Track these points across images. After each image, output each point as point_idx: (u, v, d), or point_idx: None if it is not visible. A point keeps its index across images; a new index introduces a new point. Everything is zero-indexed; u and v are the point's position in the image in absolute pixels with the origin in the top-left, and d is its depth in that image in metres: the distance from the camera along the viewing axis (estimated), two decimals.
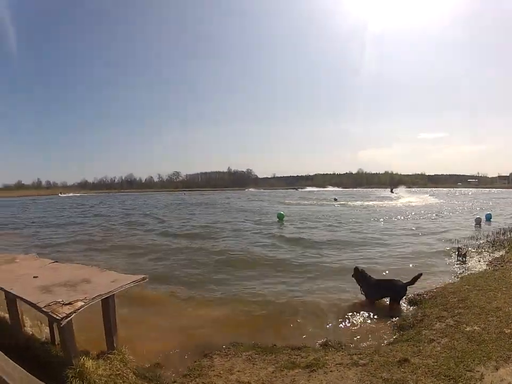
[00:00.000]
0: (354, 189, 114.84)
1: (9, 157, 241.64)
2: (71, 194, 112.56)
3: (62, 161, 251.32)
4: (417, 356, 4.38)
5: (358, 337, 5.50)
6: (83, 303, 3.70)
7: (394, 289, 6.75)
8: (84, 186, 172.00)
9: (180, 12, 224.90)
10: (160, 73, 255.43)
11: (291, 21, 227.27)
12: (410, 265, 9.82)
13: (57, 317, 3.42)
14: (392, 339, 5.35)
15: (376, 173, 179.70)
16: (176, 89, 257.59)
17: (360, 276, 7.17)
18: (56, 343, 4.91)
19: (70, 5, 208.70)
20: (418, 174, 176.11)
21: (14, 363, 3.24)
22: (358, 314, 6.39)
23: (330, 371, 4.13)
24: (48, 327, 5.16)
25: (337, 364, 4.32)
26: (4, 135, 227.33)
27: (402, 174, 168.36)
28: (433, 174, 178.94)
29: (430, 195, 60.43)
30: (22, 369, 3.17)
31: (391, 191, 77.90)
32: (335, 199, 48.60)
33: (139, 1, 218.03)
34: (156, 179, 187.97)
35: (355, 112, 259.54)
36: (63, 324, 3.46)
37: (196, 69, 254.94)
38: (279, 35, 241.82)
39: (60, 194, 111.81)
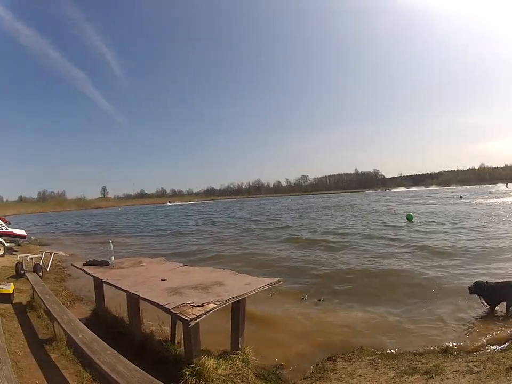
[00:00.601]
0: (476, 186, 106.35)
1: (133, 170, 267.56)
2: (178, 203, 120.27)
3: (188, 169, 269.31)
4: None
5: (476, 343, 5.22)
6: (215, 305, 3.74)
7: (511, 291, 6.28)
8: (211, 193, 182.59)
9: None
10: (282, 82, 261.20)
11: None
12: None
13: (186, 318, 3.47)
14: (505, 346, 5.04)
15: (497, 167, 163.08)
16: (299, 97, 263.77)
17: (476, 288, 6.69)
18: (176, 342, 5.13)
19: None
20: None
21: (133, 365, 3.40)
22: (477, 319, 6.16)
23: (447, 378, 3.97)
24: (170, 327, 5.40)
25: (454, 371, 4.14)
26: (135, 151, 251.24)
27: None
28: None
29: None
30: (141, 370, 3.30)
31: (506, 186, 72.25)
32: (461, 197, 46.66)
33: None
34: (283, 183, 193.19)
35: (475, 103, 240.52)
36: (191, 325, 3.51)
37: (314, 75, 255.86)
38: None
39: (168, 203, 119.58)
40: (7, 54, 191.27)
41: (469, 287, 6.81)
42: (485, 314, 6.31)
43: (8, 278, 9.26)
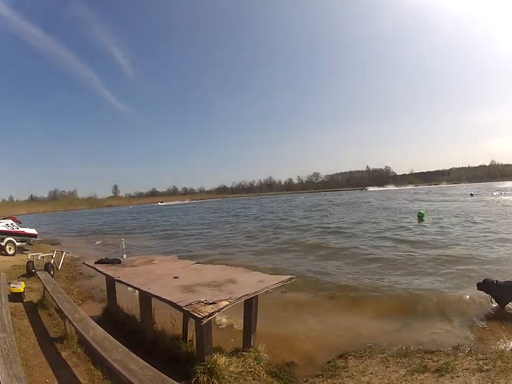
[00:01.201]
0: (487, 183, 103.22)
1: (145, 169, 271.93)
2: (169, 203, 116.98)
3: (201, 168, 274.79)
4: None
5: (486, 341, 5.24)
6: (227, 303, 3.71)
7: None
8: (222, 191, 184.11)
9: None
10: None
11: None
12: None
13: (199, 316, 3.44)
14: None
15: (507, 164, 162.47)
16: (310, 97, 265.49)
17: (485, 285, 6.63)
18: (188, 340, 5.07)
19: None
20: None
21: (145, 362, 3.37)
22: (487, 318, 6.11)
23: (457, 376, 3.97)
24: (181, 325, 5.35)
25: (464, 369, 4.14)
26: (147, 150, 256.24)
27: None
28: None
29: None
30: (152, 367, 3.27)
31: None
32: (471, 194, 46.09)
33: None
34: (295, 181, 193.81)
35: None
36: (203, 323, 3.49)
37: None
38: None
39: (159, 203, 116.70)
40: (14, 53, 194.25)
41: (477, 283, 6.77)
42: (494, 313, 6.26)
43: (19, 277, 9.30)
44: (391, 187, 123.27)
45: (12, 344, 3.96)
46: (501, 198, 36.58)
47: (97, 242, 21.09)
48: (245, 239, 17.98)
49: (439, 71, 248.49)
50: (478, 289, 6.70)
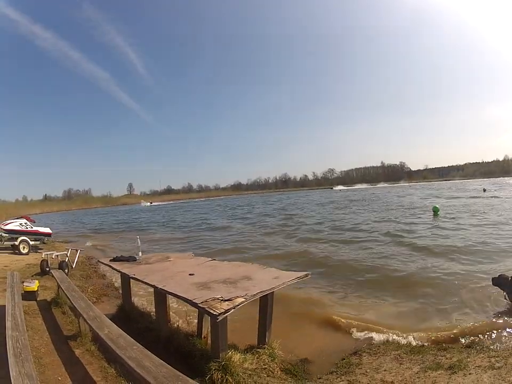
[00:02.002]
0: (498, 179, 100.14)
1: (160, 167, 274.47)
2: (158, 203, 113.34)
3: (213, 165, 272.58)
4: None
5: (499, 339, 5.16)
6: (243, 300, 3.66)
7: None
8: (237, 188, 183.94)
9: None
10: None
11: None
12: None
13: (214, 313, 3.39)
14: None
15: None
16: (328, 89, 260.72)
17: (499, 281, 6.56)
18: (203, 337, 5.02)
19: None
20: None
21: (160, 360, 3.30)
22: (501, 315, 5.99)
23: (469, 373, 3.96)
24: (197, 322, 5.30)
25: (476, 366, 4.13)
26: (161, 148, 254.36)
27: None
28: None
29: None
30: (167, 365, 3.20)
31: None
32: (484, 190, 45.42)
33: None
34: (310, 177, 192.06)
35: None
36: (219, 320, 3.43)
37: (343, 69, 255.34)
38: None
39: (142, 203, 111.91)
40: (27, 56, 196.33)
41: (492, 278, 6.74)
42: (507, 310, 6.17)
43: (32, 276, 9.32)
44: (403, 183, 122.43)
45: (25, 343, 3.91)
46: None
47: (112, 240, 21.32)
48: None
49: (453, 67, 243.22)
50: (492, 284, 6.67)
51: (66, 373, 4.10)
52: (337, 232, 17.24)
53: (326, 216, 25.85)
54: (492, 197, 33.36)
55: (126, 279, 5.96)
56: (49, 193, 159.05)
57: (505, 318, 5.79)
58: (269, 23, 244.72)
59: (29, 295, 7.03)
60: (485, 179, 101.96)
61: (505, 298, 6.45)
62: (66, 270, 9.28)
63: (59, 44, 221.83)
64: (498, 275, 6.69)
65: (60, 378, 3.96)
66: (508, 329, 5.40)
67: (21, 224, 15.07)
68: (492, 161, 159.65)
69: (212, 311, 3.44)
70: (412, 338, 5.33)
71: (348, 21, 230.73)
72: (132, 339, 3.87)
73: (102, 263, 6.69)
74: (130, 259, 6.37)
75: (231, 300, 3.64)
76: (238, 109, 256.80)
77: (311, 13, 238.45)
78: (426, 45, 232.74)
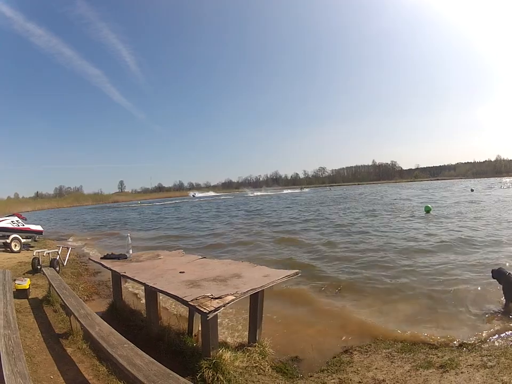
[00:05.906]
0: (490, 179, 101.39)
1: (151, 165, 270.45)
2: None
3: (205, 163, 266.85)
4: None
5: (492, 337, 5.17)
6: (233, 298, 3.68)
7: None
8: (228, 186, 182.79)
9: None
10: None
11: None
12: None
13: (204, 311, 3.41)
14: None
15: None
16: (315, 93, 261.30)
17: (497, 274, 6.51)
18: (193, 335, 5.05)
19: None
20: None
21: (150, 358, 3.34)
22: (493, 314, 6.01)
23: (461, 372, 3.99)
24: (187, 320, 5.31)
25: (468, 365, 4.17)
26: (152, 146, 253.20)
27: None
28: None
29: None
30: (158, 362, 3.24)
31: None
32: (472, 190, 46.22)
33: None
34: (301, 175, 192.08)
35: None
36: (209, 318, 3.46)
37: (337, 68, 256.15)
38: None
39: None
40: (20, 54, 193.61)
41: (492, 270, 6.69)
42: (501, 309, 6.15)
43: (24, 274, 9.29)
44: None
45: (17, 341, 3.93)
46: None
47: (102, 237, 21.29)
48: None
49: (445, 68, 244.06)
50: (492, 277, 6.61)
51: (59, 371, 4.12)
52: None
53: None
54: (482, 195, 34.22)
55: (116, 277, 5.98)
56: (40, 191, 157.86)
57: (499, 316, 5.83)
58: (267, 23, 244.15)
59: (20, 293, 7.04)
60: (476, 179, 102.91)
61: (503, 292, 6.39)
62: (57, 268, 9.25)
63: (52, 41, 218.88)
64: (498, 268, 6.67)
65: (52, 377, 3.98)
66: (500, 328, 5.41)
67: (12, 221, 14.93)
68: (483, 161, 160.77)
69: (202, 309, 3.45)
70: (403, 337, 5.33)
71: (339, 20, 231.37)
72: (123, 337, 3.90)
73: (93, 260, 6.66)
74: (121, 257, 6.35)
75: (221, 298, 3.65)
76: (235, 108, 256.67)
77: (296, 14, 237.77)
78: (419, 45, 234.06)
